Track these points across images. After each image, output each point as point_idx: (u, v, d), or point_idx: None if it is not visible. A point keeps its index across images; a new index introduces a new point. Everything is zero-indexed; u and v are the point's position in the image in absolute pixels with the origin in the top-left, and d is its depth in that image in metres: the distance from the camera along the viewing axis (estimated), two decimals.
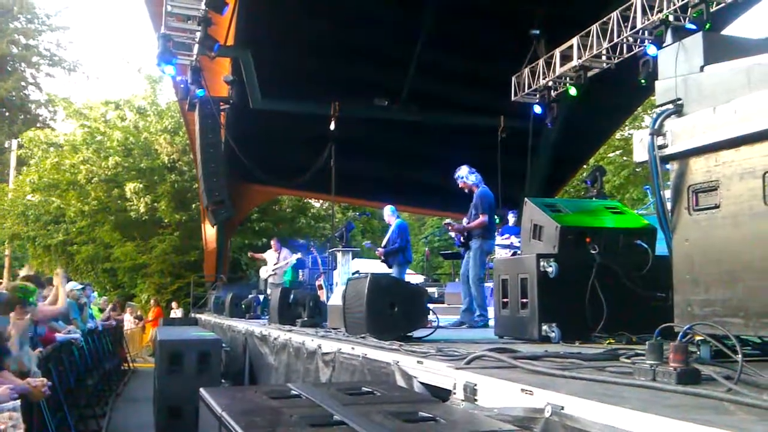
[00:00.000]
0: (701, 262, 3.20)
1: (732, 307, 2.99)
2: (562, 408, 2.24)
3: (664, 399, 2.26)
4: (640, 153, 3.47)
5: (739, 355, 2.45)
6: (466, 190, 8.46)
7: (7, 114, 43.53)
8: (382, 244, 10.67)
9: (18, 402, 3.99)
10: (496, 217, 8.88)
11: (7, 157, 38.04)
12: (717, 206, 3.11)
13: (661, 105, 3.48)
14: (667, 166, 3.45)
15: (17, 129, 38.56)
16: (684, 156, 3.28)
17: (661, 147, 3.34)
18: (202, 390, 3.32)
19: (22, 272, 8.22)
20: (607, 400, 2.18)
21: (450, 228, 8.63)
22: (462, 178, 8.42)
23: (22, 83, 44.29)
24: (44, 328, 7.10)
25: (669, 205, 3.43)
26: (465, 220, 8.41)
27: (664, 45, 10.23)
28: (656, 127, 3.35)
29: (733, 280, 3.01)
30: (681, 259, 3.32)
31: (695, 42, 3.51)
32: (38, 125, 38.90)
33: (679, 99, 3.40)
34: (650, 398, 2.27)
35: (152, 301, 25.12)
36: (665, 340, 2.77)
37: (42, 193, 28.78)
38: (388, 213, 10.90)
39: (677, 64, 3.53)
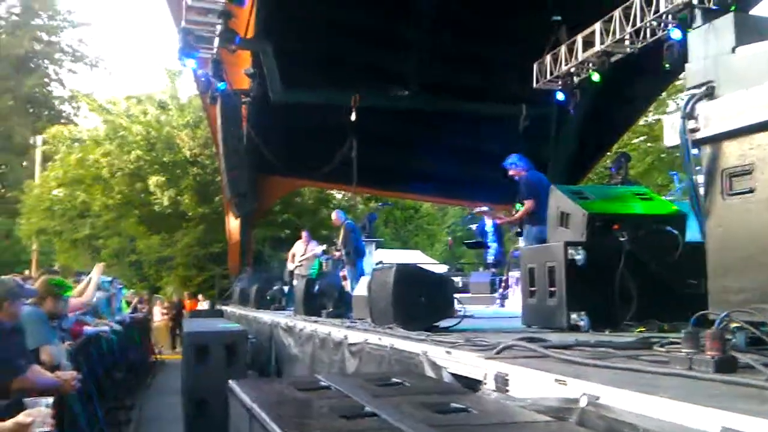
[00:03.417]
0: (736, 248, 3.13)
1: None
2: (598, 398, 2.20)
3: (702, 388, 2.21)
4: (671, 137, 3.40)
5: None
6: (516, 178, 8.52)
7: (31, 110, 44.01)
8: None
9: (51, 398, 4.00)
10: None
11: (32, 154, 38.47)
12: (752, 190, 3.04)
13: (692, 88, 3.41)
14: (695, 151, 3.38)
15: (41, 125, 38.95)
16: (717, 139, 3.21)
17: (692, 131, 3.27)
18: (231, 382, 3.32)
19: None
20: (643, 389, 2.14)
21: (500, 221, 8.65)
22: (513, 164, 8.53)
23: (45, 80, 44.76)
24: (70, 320, 7.09)
25: (701, 190, 3.37)
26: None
27: (694, 26, 10.06)
28: (688, 110, 3.28)
29: None
30: (715, 245, 3.26)
31: (726, 23, 3.42)
32: (62, 121, 39.26)
33: (711, 81, 3.32)
34: (687, 387, 2.22)
35: (186, 295, 25.41)
36: (698, 328, 2.72)
37: (67, 187, 29.10)
38: (335, 216, 12.11)
39: (708, 45, 3.45)
